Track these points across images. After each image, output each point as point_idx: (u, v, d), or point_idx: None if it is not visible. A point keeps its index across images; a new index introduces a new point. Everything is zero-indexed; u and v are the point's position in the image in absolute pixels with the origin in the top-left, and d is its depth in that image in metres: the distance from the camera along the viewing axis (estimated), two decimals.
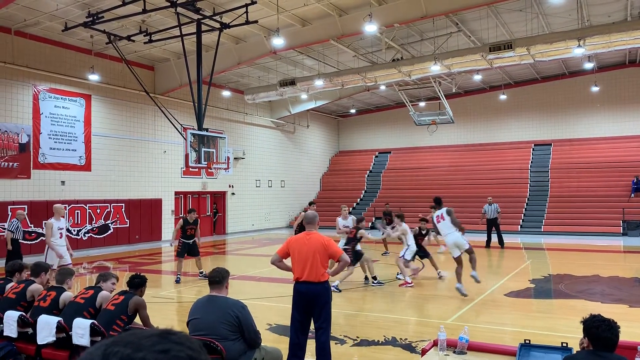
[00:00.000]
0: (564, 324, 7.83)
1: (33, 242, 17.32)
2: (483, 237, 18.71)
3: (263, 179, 28.64)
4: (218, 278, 4.80)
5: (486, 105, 30.94)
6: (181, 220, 12.56)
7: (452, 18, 17.78)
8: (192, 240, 12.42)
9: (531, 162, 29.06)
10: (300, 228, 17.05)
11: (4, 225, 16.37)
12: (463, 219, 25.83)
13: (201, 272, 12.52)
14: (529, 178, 28.08)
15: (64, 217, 10.78)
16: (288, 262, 5.85)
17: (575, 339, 3.89)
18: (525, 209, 25.87)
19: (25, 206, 17.09)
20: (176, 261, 12.57)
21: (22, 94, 17.42)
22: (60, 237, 10.47)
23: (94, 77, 18.91)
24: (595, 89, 26.77)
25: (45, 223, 10.33)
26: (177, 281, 12.10)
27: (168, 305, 9.88)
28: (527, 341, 4.07)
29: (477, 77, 25.43)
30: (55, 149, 18.29)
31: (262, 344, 4.85)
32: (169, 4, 13.70)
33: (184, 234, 12.35)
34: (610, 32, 15.72)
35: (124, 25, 16.65)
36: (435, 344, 4.36)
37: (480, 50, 17.71)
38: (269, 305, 9.70)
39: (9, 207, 16.66)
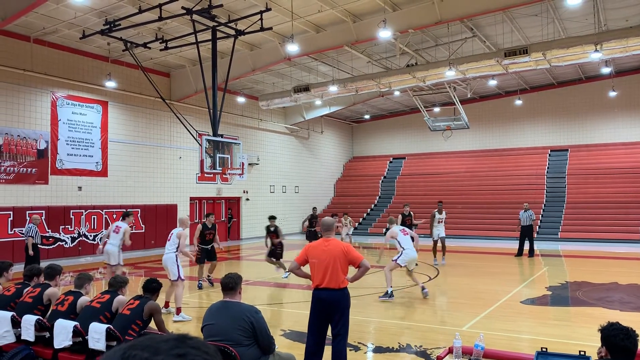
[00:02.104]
0: (581, 332, 7.72)
1: (50, 247, 17.55)
2: (506, 244, 18.47)
3: (277, 185, 28.71)
4: (231, 284, 4.80)
5: (502, 110, 30.72)
6: (200, 225, 12.24)
7: (467, 23, 17.72)
8: (210, 246, 12.17)
9: (548, 167, 28.77)
10: (309, 232, 17.41)
11: (21, 230, 16.63)
12: (478, 224, 25.74)
13: (209, 277, 12.25)
14: (546, 184, 27.79)
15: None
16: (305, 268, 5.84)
17: (593, 347, 3.84)
18: (542, 215, 25.59)
19: (43, 211, 17.32)
20: (198, 267, 12.19)
21: (40, 101, 17.70)
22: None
23: (110, 84, 19.15)
24: (613, 93, 26.44)
25: (179, 233, 9.50)
26: (200, 287, 11.92)
27: (183, 311, 9.90)
28: (544, 349, 4.02)
29: (493, 83, 25.30)
30: (72, 154, 18.53)
31: (276, 350, 4.85)
32: (185, 11, 13.84)
33: (203, 239, 12.06)
34: (628, 36, 15.53)
35: (141, 32, 16.85)
36: (450, 351, 4.33)
37: (495, 55, 17.62)
38: (283, 311, 9.70)
39: (27, 212, 16.90)
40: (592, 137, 28.61)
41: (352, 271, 5.74)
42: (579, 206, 25.41)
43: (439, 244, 15.99)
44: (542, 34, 18.39)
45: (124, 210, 13.68)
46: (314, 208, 18.97)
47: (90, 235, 18.94)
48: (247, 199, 26.54)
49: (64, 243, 18.12)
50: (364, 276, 5.85)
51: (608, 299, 10.25)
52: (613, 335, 3.23)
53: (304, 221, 17.99)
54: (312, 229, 17.84)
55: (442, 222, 16.02)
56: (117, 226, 11.02)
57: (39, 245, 13.28)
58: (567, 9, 16.80)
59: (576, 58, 17.24)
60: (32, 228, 13.04)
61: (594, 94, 27.99)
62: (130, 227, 11.16)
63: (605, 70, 24.12)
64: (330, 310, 5.54)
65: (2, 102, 16.65)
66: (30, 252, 12.73)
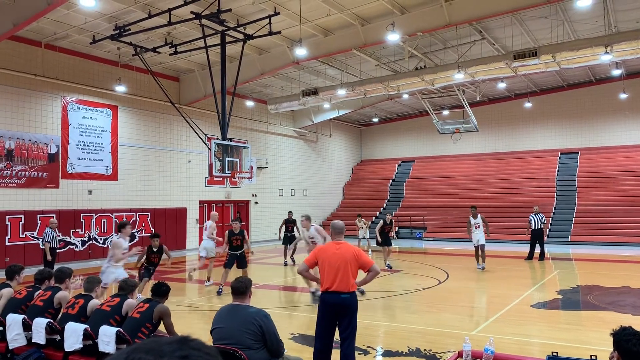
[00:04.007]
0: (593, 336, 7.66)
1: (61, 250, 17.65)
2: (517, 248, 18.32)
3: (286, 188, 28.74)
4: (242, 288, 4.82)
5: (511, 113, 30.59)
6: (227, 232, 12.10)
7: (476, 26, 17.67)
8: (239, 252, 11.93)
9: (558, 170, 28.59)
10: (285, 237, 17.26)
11: (33, 234, 16.78)
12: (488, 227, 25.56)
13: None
14: (556, 187, 27.61)
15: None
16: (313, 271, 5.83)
17: (604, 352, 3.81)
18: (552, 218, 25.42)
19: (54, 215, 17.45)
20: (223, 271, 11.93)
21: (51, 106, 17.86)
22: None
23: (120, 89, 19.29)
24: (623, 95, 26.25)
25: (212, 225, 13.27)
26: (219, 292, 11.48)
27: (192, 314, 9.95)
28: (555, 354, 3.99)
29: (502, 85, 25.19)
30: (83, 159, 18.67)
31: (285, 353, 4.85)
32: (194, 16, 13.91)
33: (230, 245, 11.94)
34: (639, 38, 15.42)
35: (150, 37, 16.96)
36: (460, 355, 4.31)
37: (504, 58, 17.55)
38: (292, 315, 9.70)
39: (38, 216, 17.04)
40: (603, 140, 28.40)
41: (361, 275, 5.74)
42: (590, 209, 25.20)
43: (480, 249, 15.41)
44: (552, 36, 18.29)
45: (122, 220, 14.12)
46: (290, 212, 18.49)
47: (101, 239, 19.05)
48: (256, 203, 26.58)
49: (74, 246, 18.23)
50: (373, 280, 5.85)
51: (620, 303, 10.15)
52: (625, 340, 3.19)
53: (281, 226, 17.64)
54: (289, 233, 17.58)
55: (479, 227, 15.31)
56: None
57: (56, 250, 13.48)
58: (577, 11, 16.72)
59: (586, 60, 17.13)
60: (48, 232, 13.22)
61: (604, 96, 27.79)
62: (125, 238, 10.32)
63: (616, 72, 23.96)
64: (339, 313, 5.52)
65: (13, 107, 16.83)
66: (49, 257, 12.90)
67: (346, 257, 5.52)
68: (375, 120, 34.68)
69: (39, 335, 5.54)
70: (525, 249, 18.07)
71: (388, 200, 31.84)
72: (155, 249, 11.32)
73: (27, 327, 5.69)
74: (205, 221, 13.54)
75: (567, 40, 18.08)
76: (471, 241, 15.64)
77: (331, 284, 5.51)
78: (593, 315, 9.23)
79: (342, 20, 16.76)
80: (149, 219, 20.80)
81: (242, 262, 12.06)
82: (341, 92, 21.25)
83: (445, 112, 28.97)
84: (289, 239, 17.44)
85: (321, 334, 5.60)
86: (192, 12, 13.94)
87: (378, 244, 15.93)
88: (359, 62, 21.04)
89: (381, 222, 16.17)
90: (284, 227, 17.73)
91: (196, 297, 11.77)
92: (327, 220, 31.08)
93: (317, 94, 21.65)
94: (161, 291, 5.68)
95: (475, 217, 15.46)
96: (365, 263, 5.60)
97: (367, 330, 8.15)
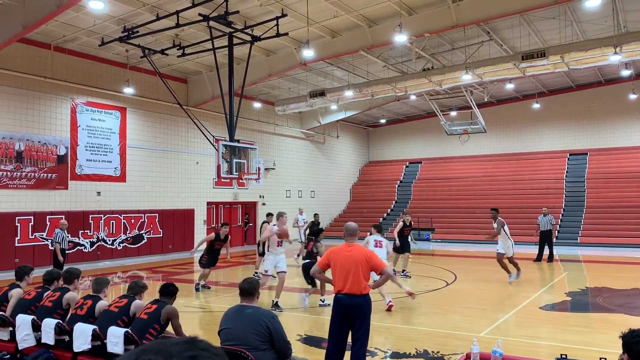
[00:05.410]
0: (602, 338, 7.61)
1: (69, 251, 17.76)
2: (525, 249, 18.22)
3: (293, 190, 28.77)
4: (250, 289, 4.82)
5: (519, 114, 30.44)
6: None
7: (483, 27, 17.61)
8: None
9: (566, 172, 28.42)
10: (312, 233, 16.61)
11: (42, 235, 16.90)
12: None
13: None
14: (565, 188, 27.45)
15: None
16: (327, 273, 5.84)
17: (614, 354, 3.78)
18: (561, 219, 25.26)
19: (63, 216, 17.56)
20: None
21: (60, 107, 17.98)
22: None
23: (129, 90, 19.38)
24: (633, 96, 26.05)
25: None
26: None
27: (200, 315, 9.97)
28: (564, 356, 3.97)
29: (510, 86, 25.09)
30: (91, 160, 18.78)
31: (292, 355, 4.85)
32: (202, 18, 13.96)
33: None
34: None
35: (158, 39, 17.04)
36: (468, 357, 4.29)
37: (512, 58, 17.48)
38: (299, 316, 9.69)
39: (48, 217, 17.15)
40: (612, 141, 28.21)
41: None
42: (599, 211, 25.02)
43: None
44: (560, 37, 18.19)
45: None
46: (316, 215, 17.27)
47: (109, 240, 19.15)
48: (264, 204, 26.61)
49: (83, 247, 18.34)
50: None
51: (629, 305, 10.08)
52: (635, 342, 3.17)
53: (305, 229, 16.00)
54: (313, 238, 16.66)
55: (499, 233, 13.32)
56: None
57: (65, 251, 13.58)
58: (586, 11, 16.62)
59: (595, 61, 17.03)
60: (58, 234, 13.32)
61: (613, 96, 27.59)
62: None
63: (625, 72, 23.79)
64: (351, 315, 5.52)
65: (23, 109, 16.96)
66: (60, 257, 13.01)
67: (357, 259, 5.52)
68: (383, 121, 34.64)
69: (48, 336, 5.57)
70: (533, 250, 17.97)
71: (395, 202, 31.78)
72: (222, 237, 12.18)
73: (36, 327, 5.73)
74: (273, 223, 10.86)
75: (576, 40, 17.98)
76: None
77: (343, 286, 5.53)
78: (602, 317, 9.17)
79: (349, 21, 16.76)
80: (157, 220, 20.88)
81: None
82: (348, 93, 21.26)
83: (453, 113, 28.89)
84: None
85: (334, 335, 5.61)
86: (199, 14, 13.99)
87: (395, 249, 14.06)
88: (366, 63, 21.03)
89: (401, 224, 14.73)
90: (308, 230, 17.42)
91: (203, 299, 11.80)
92: (335, 221, 31.08)
93: (324, 96, 21.66)
94: (169, 292, 5.70)
95: (495, 220, 13.55)
96: (377, 265, 5.60)
97: (375, 331, 8.12)
